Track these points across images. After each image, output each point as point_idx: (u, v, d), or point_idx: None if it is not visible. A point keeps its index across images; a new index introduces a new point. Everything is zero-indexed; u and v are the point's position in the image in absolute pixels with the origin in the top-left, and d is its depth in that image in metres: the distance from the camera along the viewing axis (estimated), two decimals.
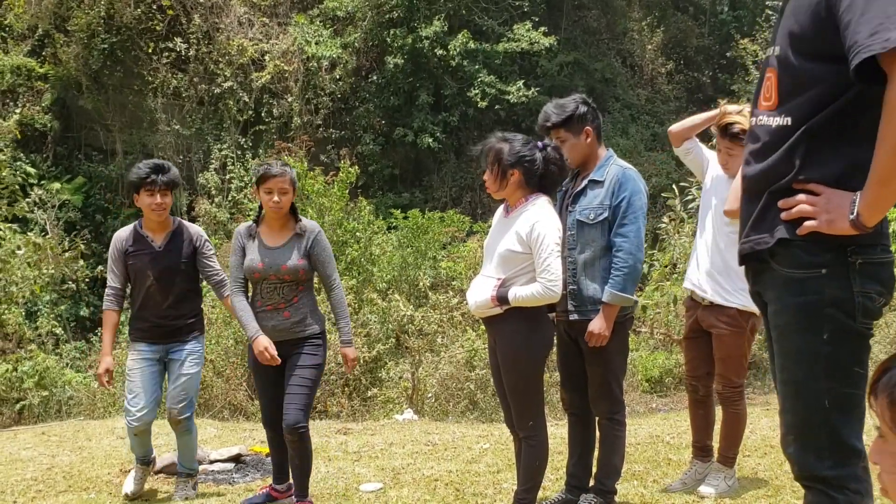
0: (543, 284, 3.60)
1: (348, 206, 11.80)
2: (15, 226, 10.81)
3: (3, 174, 9.75)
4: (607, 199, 3.86)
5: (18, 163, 14.60)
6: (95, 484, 5.09)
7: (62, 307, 12.94)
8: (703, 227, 4.32)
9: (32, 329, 10.65)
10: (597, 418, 4.05)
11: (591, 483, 4.09)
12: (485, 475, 4.94)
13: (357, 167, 12.15)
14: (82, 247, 11.54)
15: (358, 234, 11.15)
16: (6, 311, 9.15)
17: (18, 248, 9.08)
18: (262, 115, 16.24)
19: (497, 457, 5.39)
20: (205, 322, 5.01)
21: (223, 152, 15.85)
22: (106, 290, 4.69)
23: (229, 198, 15.36)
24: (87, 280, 11.75)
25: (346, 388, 8.98)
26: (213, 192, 15.38)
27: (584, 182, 3.94)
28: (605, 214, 3.85)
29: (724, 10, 20.83)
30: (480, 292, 3.73)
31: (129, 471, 5.34)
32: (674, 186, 9.57)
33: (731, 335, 4.17)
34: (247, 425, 7.24)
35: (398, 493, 4.64)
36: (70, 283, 10.45)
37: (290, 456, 4.29)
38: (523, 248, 3.66)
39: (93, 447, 6.25)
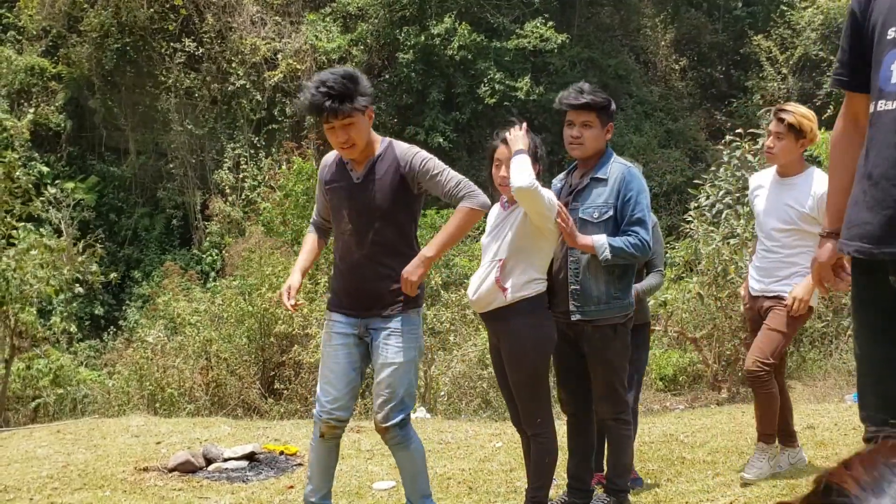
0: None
1: None
2: (29, 225, 10.86)
3: (17, 174, 9.79)
4: (612, 197, 3.75)
5: (32, 162, 14.70)
6: (110, 482, 5.10)
7: (74, 304, 13.01)
8: (764, 229, 4.37)
9: (46, 328, 10.70)
10: (602, 419, 4.01)
11: (604, 483, 4.07)
12: (497, 474, 4.92)
13: None
14: (99, 248, 11.59)
15: None
16: (20, 311, 9.19)
17: (31, 248, 9.11)
18: (275, 113, 16.28)
19: (510, 455, 5.37)
20: (422, 293, 3.67)
21: (236, 151, 15.90)
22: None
23: (243, 196, 15.40)
24: (100, 280, 11.79)
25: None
26: (227, 191, 15.44)
27: (587, 180, 3.83)
28: (610, 213, 3.74)
29: (737, 5, 20.70)
30: (483, 283, 3.74)
31: (145, 469, 5.34)
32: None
33: (786, 314, 4.18)
34: (260, 423, 7.25)
35: None
36: (79, 285, 10.48)
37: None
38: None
39: (108, 445, 6.27)
